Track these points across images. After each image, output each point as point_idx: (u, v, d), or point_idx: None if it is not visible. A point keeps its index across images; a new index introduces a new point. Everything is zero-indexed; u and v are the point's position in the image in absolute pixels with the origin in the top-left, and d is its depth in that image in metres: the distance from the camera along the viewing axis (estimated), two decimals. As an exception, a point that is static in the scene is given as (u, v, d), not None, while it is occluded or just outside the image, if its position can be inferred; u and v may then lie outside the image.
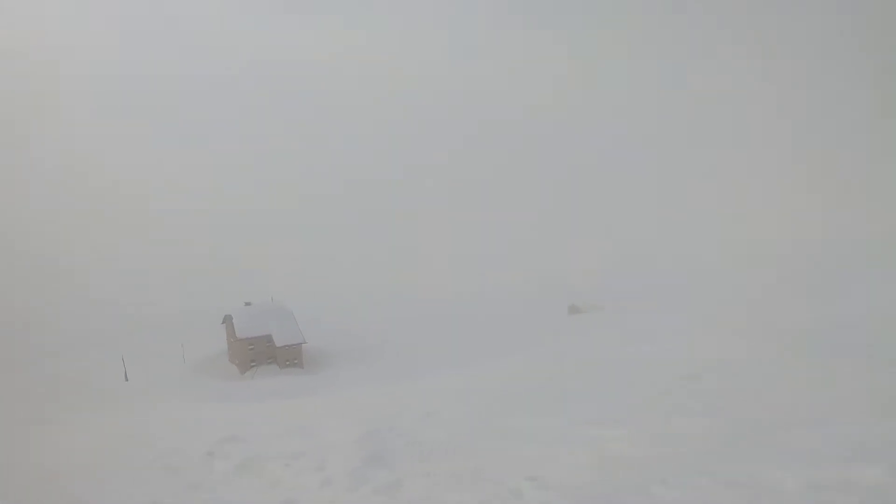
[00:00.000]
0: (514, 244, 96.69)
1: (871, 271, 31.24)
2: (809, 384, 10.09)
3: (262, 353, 54.55)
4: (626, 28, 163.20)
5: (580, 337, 25.34)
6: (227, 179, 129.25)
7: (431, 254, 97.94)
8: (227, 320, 58.01)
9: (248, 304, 58.69)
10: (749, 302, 24.83)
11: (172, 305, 77.79)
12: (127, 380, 46.34)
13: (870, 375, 9.95)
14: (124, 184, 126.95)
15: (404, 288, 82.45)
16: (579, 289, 67.43)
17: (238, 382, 47.39)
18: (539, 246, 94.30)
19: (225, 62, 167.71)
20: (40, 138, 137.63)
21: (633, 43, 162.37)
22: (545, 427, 10.14)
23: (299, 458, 9.95)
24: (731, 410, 9.39)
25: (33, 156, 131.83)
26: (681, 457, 7.80)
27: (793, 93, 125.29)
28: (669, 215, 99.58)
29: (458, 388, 16.80)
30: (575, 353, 19.18)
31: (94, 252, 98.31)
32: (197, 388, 42.43)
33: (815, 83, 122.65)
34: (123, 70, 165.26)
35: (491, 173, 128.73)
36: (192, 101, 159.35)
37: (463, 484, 7.86)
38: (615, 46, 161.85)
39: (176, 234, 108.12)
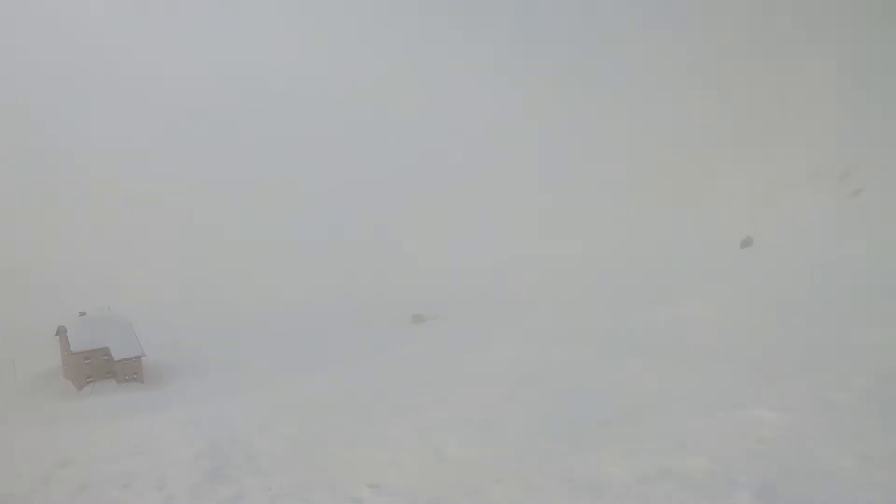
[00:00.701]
0: (358, 252, 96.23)
1: (676, 275, 34.05)
2: (630, 384, 11.01)
3: (99, 368, 51.22)
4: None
5: (423, 345, 26.02)
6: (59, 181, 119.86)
7: (275, 264, 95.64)
8: (61, 332, 54.10)
9: (82, 314, 55.01)
10: (572, 309, 26.47)
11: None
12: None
13: (686, 375, 10.98)
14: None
15: (248, 298, 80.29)
16: (422, 297, 67.94)
17: (74, 401, 44.67)
18: (383, 254, 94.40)
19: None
20: None
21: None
22: (386, 434, 10.44)
23: (138, 477, 9.69)
24: (560, 411, 10.11)
25: None
26: (516, 457, 8.28)
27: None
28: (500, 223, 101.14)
29: (300, 399, 16.98)
30: (417, 361, 19.72)
31: None
32: (30, 408, 39.66)
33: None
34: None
35: (324, 176, 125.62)
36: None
37: (304, 495, 8.02)
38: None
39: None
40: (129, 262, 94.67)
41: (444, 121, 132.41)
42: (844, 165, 57.67)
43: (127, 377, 51.78)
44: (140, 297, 76.24)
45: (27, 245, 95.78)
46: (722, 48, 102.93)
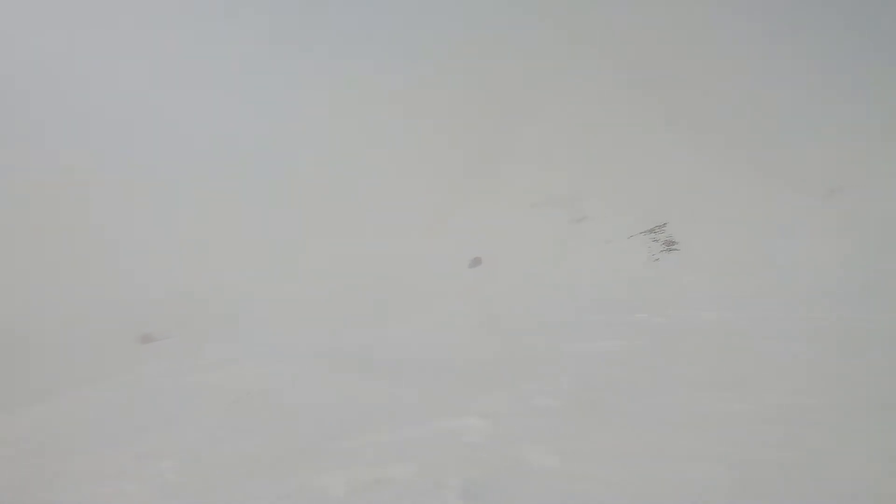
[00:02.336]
0: (79, 267, 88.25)
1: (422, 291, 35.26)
2: (354, 399, 10.85)
3: None
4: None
5: (151, 366, 24.08)
6: None
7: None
8: None
9: None
10: (305, 325, 26.18)
11: None
12: None
13: (406, 388, 11.05)
14: None
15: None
16: (151, 316, 64.12)
17: None
18: (108, 268, 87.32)
19: None
20: None
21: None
22: (109, 462, 9.49)
23: None
24: (284, 429, 9.74)
25: None
26: (238, 478, 7.89)
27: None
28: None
29: (19, 429, 14.72)
30: (144, 383, 18.21)
31: None
32: None
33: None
34: None
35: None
36: None
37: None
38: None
39: None
40: None
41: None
42: (571, 194, 63.80)
43: None
44: None
45: None
46: (464, 87, 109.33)
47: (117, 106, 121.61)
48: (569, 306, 21.37)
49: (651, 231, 46.51)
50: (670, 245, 42.25)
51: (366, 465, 7.35)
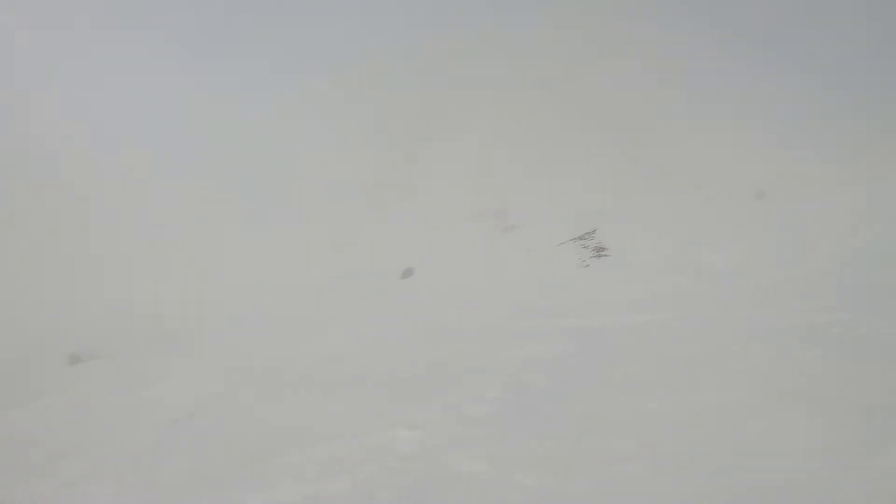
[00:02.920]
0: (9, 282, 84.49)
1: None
2: (285, 415, 10.75)
3: None
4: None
5: (80, 388, 23.18)
6: None
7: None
8: None
9: None
10: (238, 343, 25.65)
11: None
12: None
13: (337, 403, 11.01)
14: None
15: None
16: (80, 335, 61.91)
17: None
18: (32, 288, 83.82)
19: None
20: None
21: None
22: (29, 493, 9.13)
23: None
24: (213, 450, 9.55)
25: None
26: (166, 501, 7.78)
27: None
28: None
29: None
30: (72, 406, 17.49)
31: None
32: None
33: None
34: None
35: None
36: None
37: None
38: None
39: None
40: None
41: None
42: (500, 205, 64.72)
43: None
44: None
45: None
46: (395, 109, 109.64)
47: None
48: (499, 313, 21.53)
49: (581, 238, 47.36)
50: (600, 251, 43.14)
51: (299, 482, 7.31)
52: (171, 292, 74.31)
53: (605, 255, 39.49)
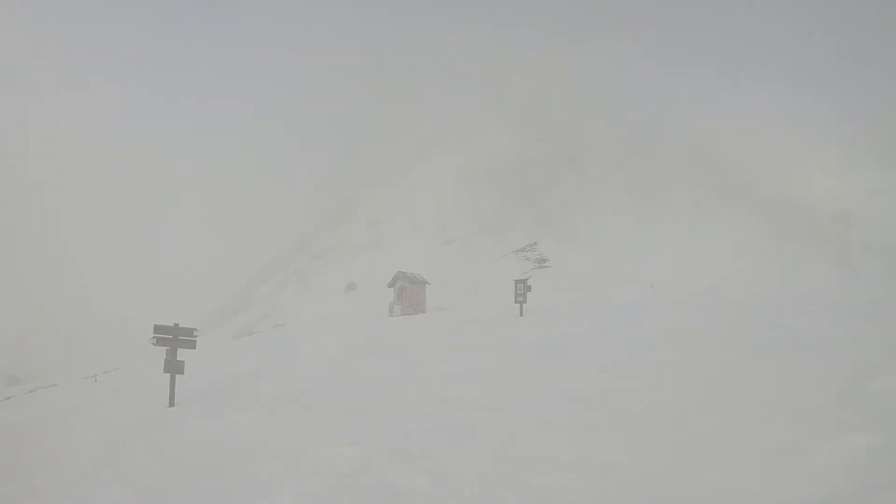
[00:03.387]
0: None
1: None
2: (224, 436, 10.56)
3: None
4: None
5: (17, 410, 22.31)
6: None
7: None
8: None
9: None
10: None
11: None
12: None
13: (279, 422, 10.95)
14: None
15: None
16: (19, 358, 60.62)
17: None
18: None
19: None
20: None
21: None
22: None
23: None
24: (157, 471, 9.33)
25: None
26: None
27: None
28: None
29: None
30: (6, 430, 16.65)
31: None
32: None
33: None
34: None
35: None
36: None
37: None
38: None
39: None
40: None
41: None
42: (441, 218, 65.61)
43: None
44: None
45: None
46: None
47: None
48: (436, 328, 21.46)
49: (523, 250, 47.48)
50: (542, 263, 43.27)
51: (242, 500, 7.33)
52: (94, 319, 72.76)
53: (548, 267, 39.74)
